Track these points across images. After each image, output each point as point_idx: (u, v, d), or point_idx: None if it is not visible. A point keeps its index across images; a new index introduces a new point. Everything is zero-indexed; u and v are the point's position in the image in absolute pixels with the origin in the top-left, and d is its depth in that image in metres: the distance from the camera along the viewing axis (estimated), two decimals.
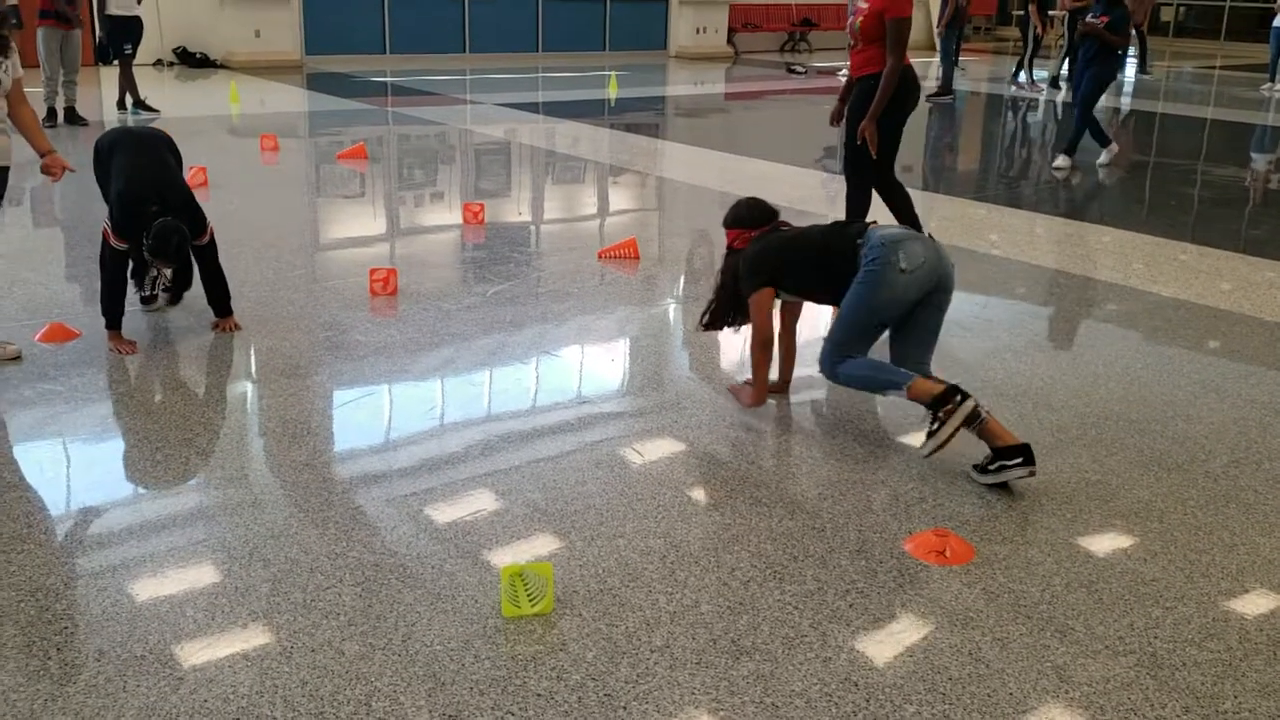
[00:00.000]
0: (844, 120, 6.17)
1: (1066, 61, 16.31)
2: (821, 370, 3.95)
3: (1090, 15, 9.45)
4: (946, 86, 15.02)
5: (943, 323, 3.97)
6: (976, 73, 19.34)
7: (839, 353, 3.85)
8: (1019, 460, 3.53)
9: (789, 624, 2.83)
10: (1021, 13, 16.25)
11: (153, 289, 5.05)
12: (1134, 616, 2.91)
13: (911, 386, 3.67)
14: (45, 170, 4.42)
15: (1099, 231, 7.53)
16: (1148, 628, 2.86)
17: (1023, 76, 16.68)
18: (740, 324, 4.27)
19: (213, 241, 4.80)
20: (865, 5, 5.84)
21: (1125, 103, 16.54)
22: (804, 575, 3.05)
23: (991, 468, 3.59)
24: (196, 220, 4.64)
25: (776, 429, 4.09)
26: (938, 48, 15.57)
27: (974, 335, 5.21)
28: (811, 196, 8.46)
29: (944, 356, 4.87)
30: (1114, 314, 5.66)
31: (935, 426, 3.62)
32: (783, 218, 4.28)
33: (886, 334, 3.97)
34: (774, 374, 4.39)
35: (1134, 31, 19.79)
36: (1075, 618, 2.89)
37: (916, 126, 13.53)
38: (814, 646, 2.74)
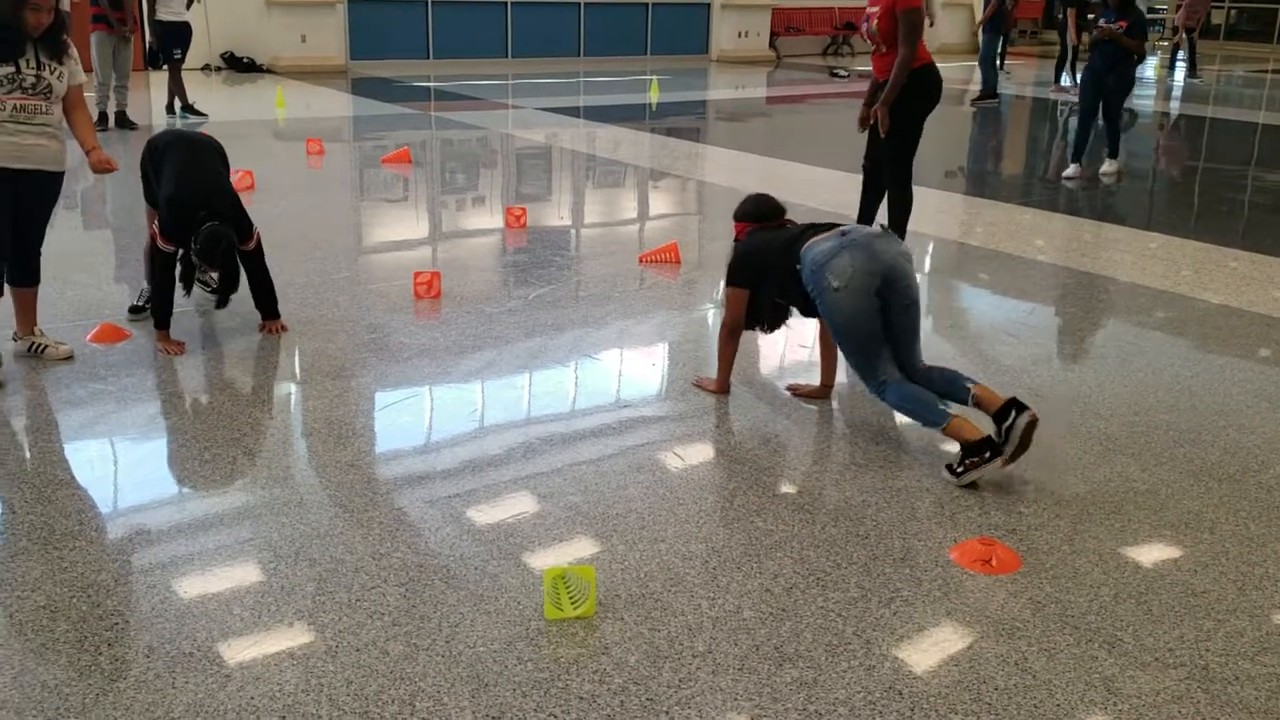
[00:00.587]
0: (867, 125, 6.17)
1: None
2: (870, 392, 3.94)
3: (1107, 21, 9.06)
4: (990, 90, 14.90)
5: (919, 317, 3.92)
6: (1022, 76, 19.16)
7: (872, 379, 3.85)
8: (1012, 413, 3.55)
9: (832, 631, 2.81)
10: (1061, 16, 16.09)
11: (188, 292, 5.05)
12: (1184, 629, 2.86)
13: (948, 427, 3.66)
14: (93, 168, 4.47)
15: (1146, 237, 7.43)
16: (1199, 640, 2.81)
17: (1065, 80, 16.51)
18: (772, 327, 4.31)
19: (259, 247, 4.86)
20: (876, 8, 5.86)
21: (1174, 107, 16.34)
22: (847, 582, 3.04)
23: (959, 469, 3.62)
24: (243, 226, 4.70)
25: (820, 435, 4.07)
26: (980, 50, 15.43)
27: (1020, 342, 5.16)
28: (854, 202, 8.40)
29: (990, 363, 4.84)
30: (1162, 321, 5.58)
31: (961, 470, 3.62)
32: (815, 219, 4.30)
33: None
34: (816, 379, 4.40)
35: (1185, 35, 19.54)
36: (1124, 629, 2.85)
37: (960, 130, 13.44)
38: (857, 654, 2.72)
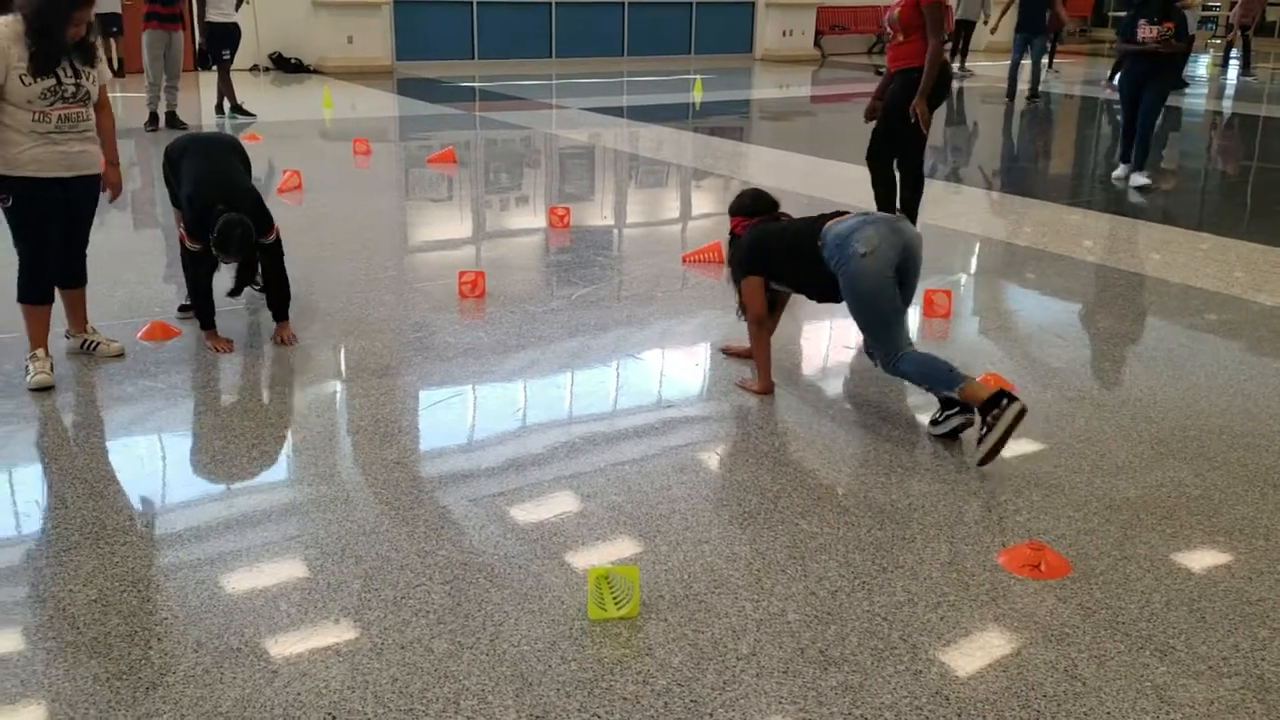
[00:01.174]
0: (880, 113, 6.37)
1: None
2: (886, 369, 4.06)
3: (1147, 23, 8.37)
4: (1034, 89, 14.71)
5: (917, 280, 4.10)
6: (1070, 75, 18.92)
7: (885, 348, 3.98)
8: (1003, 402, 3.65)
9: (878, 635, 2.79)
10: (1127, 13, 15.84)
11: (238, 285, 5.06)
12: (1238, 637, 2.81)
13: (963, 390, 3.79)
14: (109, 182, 4.51)
15: (1197, 238, 7.30)
16: (1254, 649, 2.76)
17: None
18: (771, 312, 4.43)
19: (277, 243, 4.84)
20: (896, 2, 6.06)
21: (1227, 105, 16.06)
22: (893, 586, 3.01)
23: (982, 433, 3.69)
24: (262, 218, 4.68)
25: (865, 437, 4.04)
26: (1030, 50, 15.21)
27: (1070, 344, 5.09)
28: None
29: (1038, 365, 4.78)
30: (1215, 323, 5.49)
31: (984, 432, 3.69)
32: (826, 211, 4.35)
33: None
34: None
35: (1240, 32, 19.19)
36: (1176, 636, 2.80)
37: (1009, 130, 13.30)
38: (904, 659, 2.69)
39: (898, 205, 6.39)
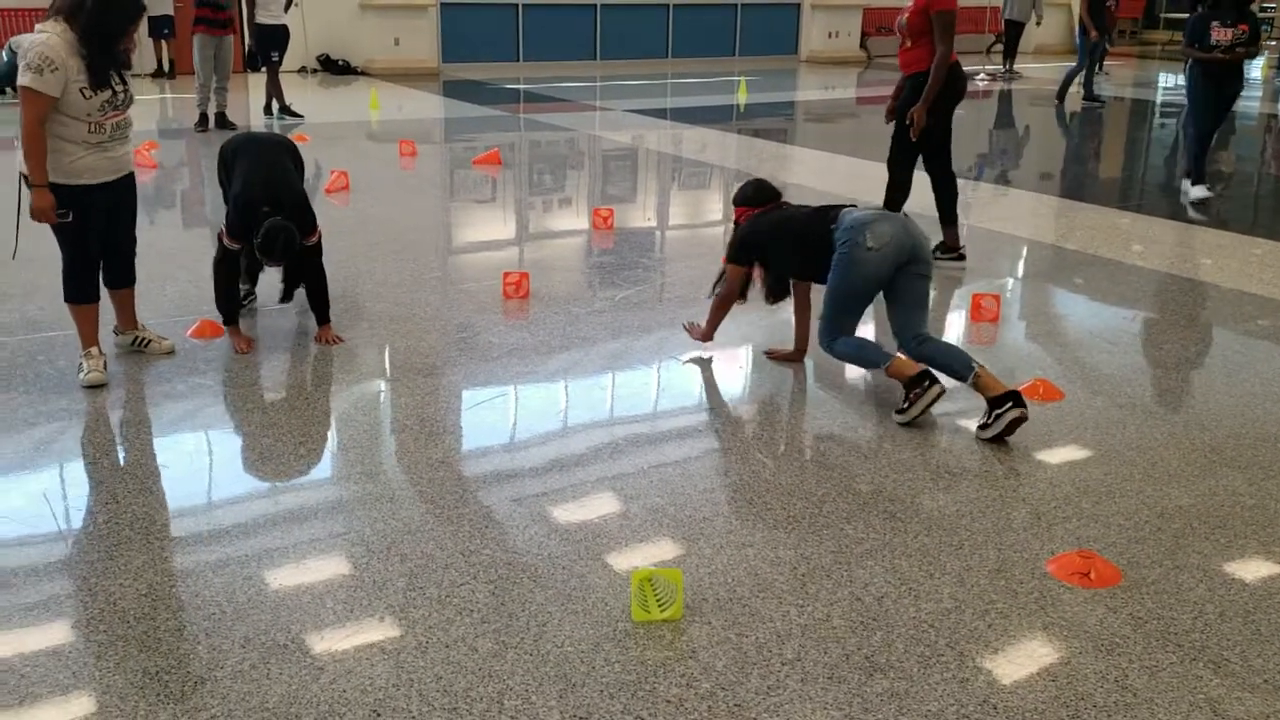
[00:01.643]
0: (894, 117, 6.42)
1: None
2: (820, 344, 4.32)
3: (1221, 25, 7.87)
4: (1089, 92, 14.53)
5: (929, 290, 4.30)
6: (1121, 77, 18.67)
7: (831, 329, 4.26)
8: (1010, 404, 3.86)
9: (924, 642, 2.76)
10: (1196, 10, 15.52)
11: (287, 291, 5.08)
12: None
13: (889, 367, 4.08)
14: None
15: (1250, 243, 7.17)
16: None
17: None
18: (776, 299, 4.59)
19: (319, 246, 4.82)
20: (911, 3, 6.14)
21: None
22: (940, 593, 2.97)
23: (988, 421, 3.92)
24: (306, 221, 4.68)
25: (912, 442, 4.00)
26: (1080, 49, 14.97)
27: (1121, 350, 5.01)
28: None
29: (1089, 371, 4.72)
30: (1270, 329, 5.38)
31: (905, 405, 4.02)
32: (843, 203, 4.45)
33: (882, 310, 4.37)
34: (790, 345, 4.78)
35: None
36: (1230, 649, 2.75)
37: (1058, 132, 13.14)
38: (950, 667, 2.66)
39: (942, 214, 6.36)
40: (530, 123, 12.99)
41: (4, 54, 13.04)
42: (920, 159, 6.33)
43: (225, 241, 4.69)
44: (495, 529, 3.29)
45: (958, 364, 4.05)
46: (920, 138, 6.14)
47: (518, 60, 19.07)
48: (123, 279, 4.58)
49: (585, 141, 11.65)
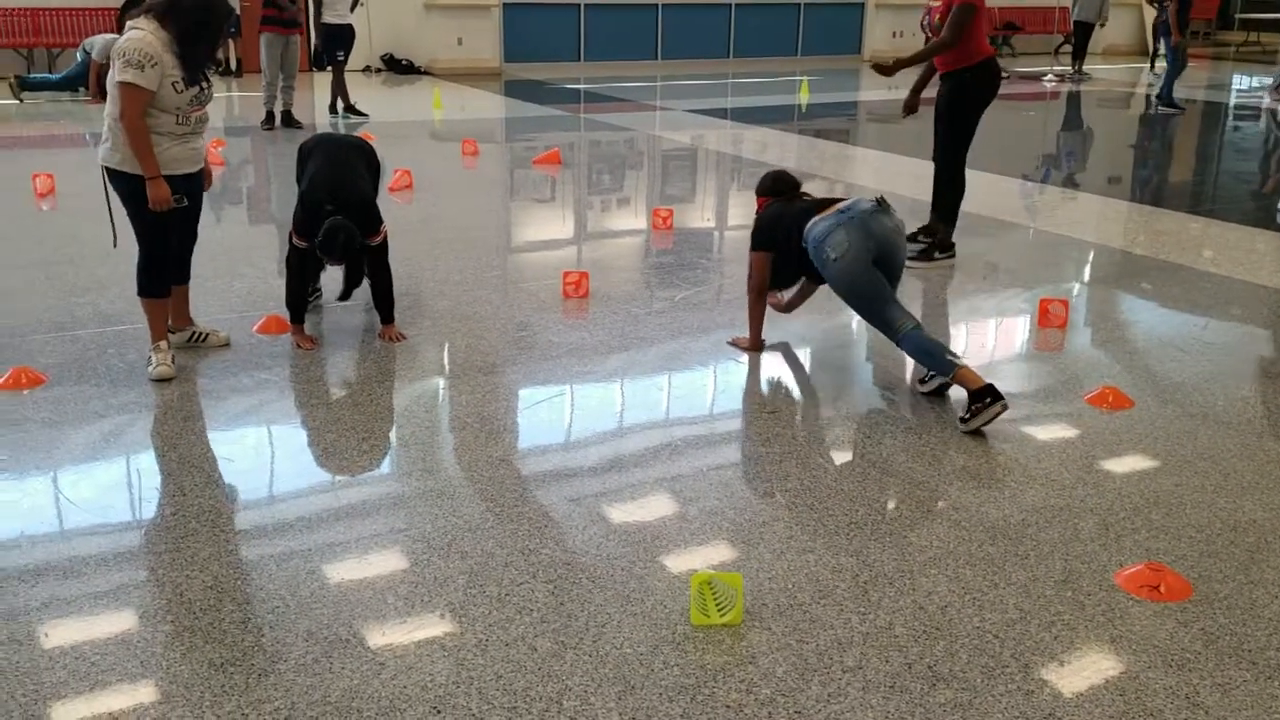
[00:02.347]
0: (911, 112, 6.68)
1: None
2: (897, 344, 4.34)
3: None
4: (1168, 97, 14.16)
5: (898, 281, 4.41)
6: (1194, 79, 18.26)
7: (891, 332, 4.27)
8: (989, 398, 3.95)
9: (988, 653, 2.71)
10: None
11: (346, 289, 5.17)
12: None
13: (956, 374, 4.08)
14: None
15: None
16: None
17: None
18: (783, 288, 4.96)
19: (384, 245, 4.84)
20: (939, 3, 6.30)
21: None
22: (1005, 603, 2.92)
23: (967, 415, 4.00)
24: (369, 221, 4.70)
25: (977, 450, 3.94)
26: (1163, 51, 14.51)
27: (1191, 358, 4.90)
28: (1008, 206, 8.15)
29: (1159, 379, 4.62)
30: None
31: (968, 416, 4.02)
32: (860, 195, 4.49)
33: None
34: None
35: None
36: None
37: (1128, 135, 12.88)
38: (1015, 678, 2.61)
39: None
40: (590, 123, 13.02)
41: (78, 54, 13.40)
42: (936, 150, 6.46)
43: (294, 240, 4.75)
44: (554, 528, 3.30)
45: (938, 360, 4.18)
46: (946, 130, 6.28)
47: (579, 60, 19.13)
48: (180, 275, 4.67)
49: (645, 141, 11.65)
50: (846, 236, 4.24)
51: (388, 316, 4.96)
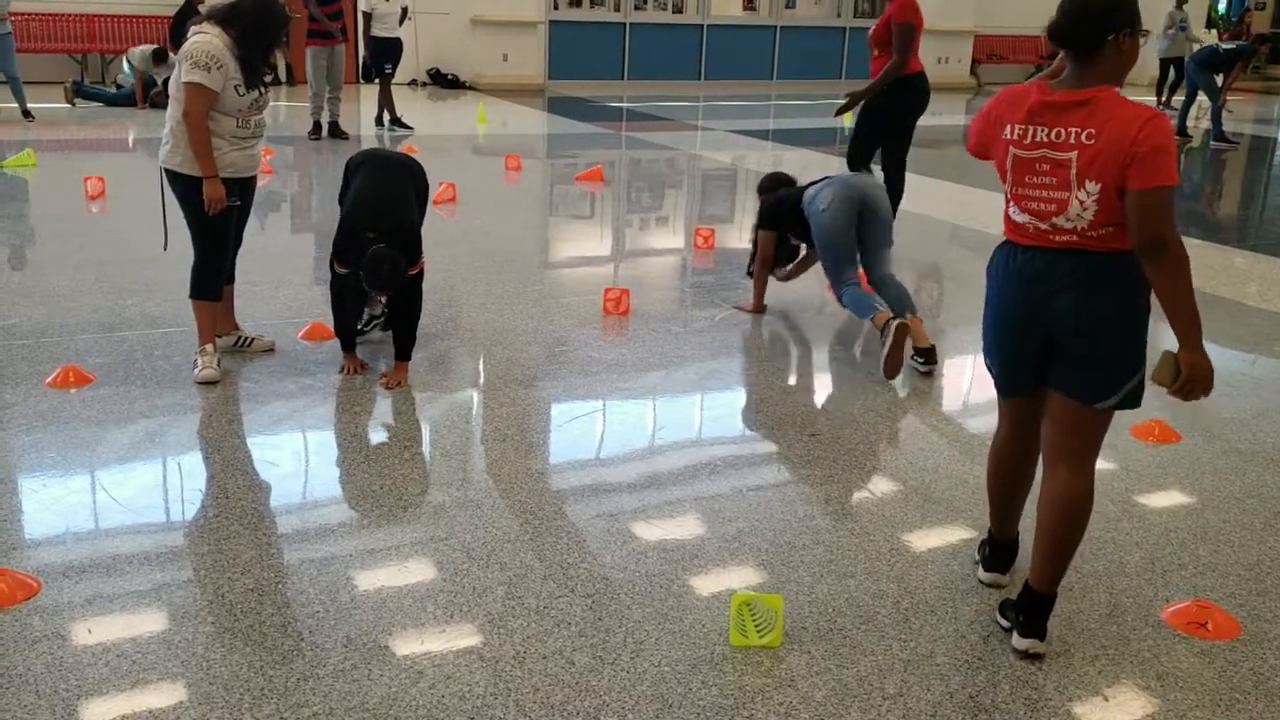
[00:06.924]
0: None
1: None
2: (835, 297, 5.15)
3: None
4: (1217, 131, 13.97)
5: (888, 233, 5.15)
6: (1242, 113, 18.08)
7: (835, 281, 5.07)
8: (925, 360, 4.79)
9: (1031, 685, 2.67)
10: None
11: (368, 321, 4.99)
12: None
13: (874, 317, 4.80)
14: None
15: None
16: None
17: None
18: (782, 265, 5.78)
19: (420, 276, 4.54)
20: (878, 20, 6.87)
21: None
22: (1049, 635, 2.88)
23: (888, 346, 4.67)
24: (409, 249, 4.40)
25: None
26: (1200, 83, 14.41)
27: (1240, 394, 4.83)
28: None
29: (1205, 415, 4.55)
30: None
31: (883, 341, 4.68)
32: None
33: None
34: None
35: None
36: None
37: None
38: (1058, 712, 2.58)
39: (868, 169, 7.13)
40: (633, 141, 13.06)
41: (124, 64, 13.61)
42: (879, 153, 7.07)
43: (334, 266, 4.50)
44: (593, 543, 3.29)
45: (899, 304, 4.88)
46: (879, 134, 6.96)
47: (623, 79, 19.20)
48: (230, 276, 4.72)
49: (686, 161, 11.67)
50: (832, 193, 5.03)
51: (404, 354, 4.60)
